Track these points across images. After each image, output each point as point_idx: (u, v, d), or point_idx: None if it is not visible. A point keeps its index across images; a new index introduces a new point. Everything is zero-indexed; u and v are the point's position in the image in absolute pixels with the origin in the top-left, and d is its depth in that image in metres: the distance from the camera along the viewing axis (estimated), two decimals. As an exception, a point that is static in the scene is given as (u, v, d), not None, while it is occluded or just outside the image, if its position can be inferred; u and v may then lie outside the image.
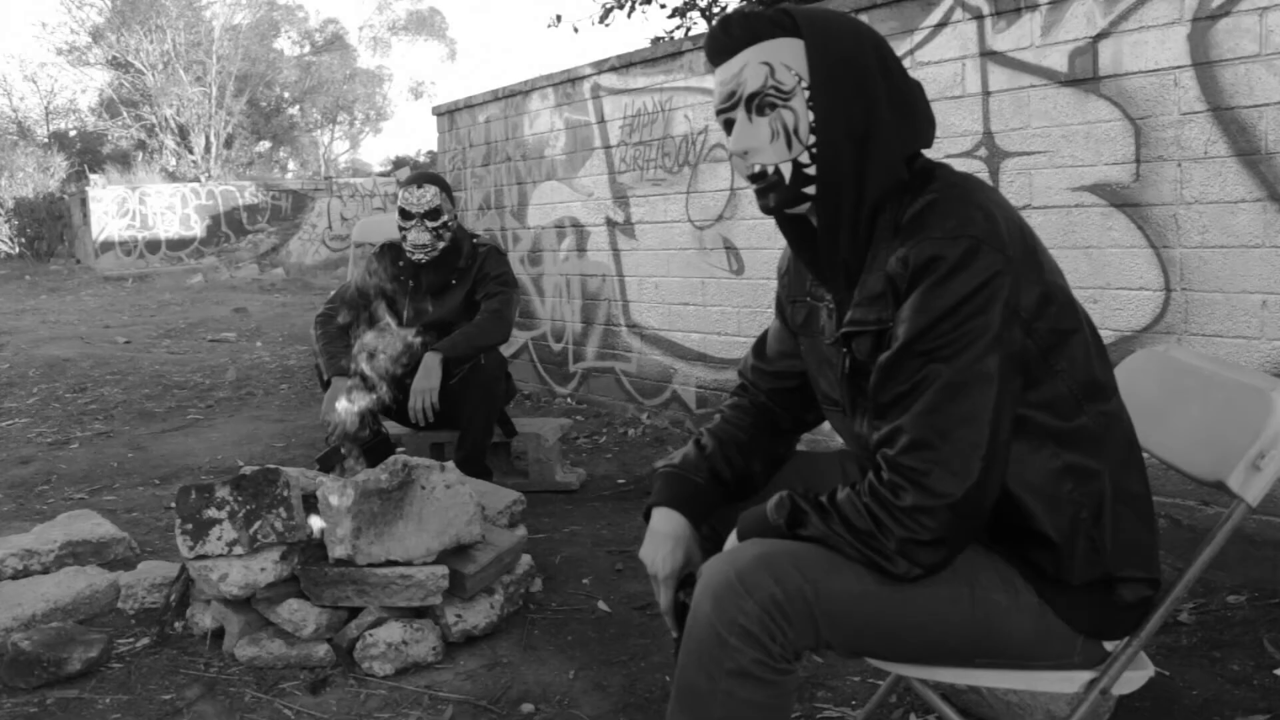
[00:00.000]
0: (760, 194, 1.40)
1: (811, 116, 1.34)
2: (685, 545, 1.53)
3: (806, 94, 1.34)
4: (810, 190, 1.36)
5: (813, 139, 1.34)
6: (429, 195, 3.68)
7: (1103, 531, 1.34)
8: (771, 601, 1.27)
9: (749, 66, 1.35)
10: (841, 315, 1.41)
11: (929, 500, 1.24)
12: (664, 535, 1.54)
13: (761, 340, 1.70)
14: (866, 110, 1.34)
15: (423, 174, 3.82)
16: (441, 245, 3.73)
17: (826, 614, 1.29)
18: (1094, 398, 1.35)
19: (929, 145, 1.40)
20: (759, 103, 1.36)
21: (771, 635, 1.27)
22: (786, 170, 1.36)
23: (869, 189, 1.34)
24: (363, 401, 3.26)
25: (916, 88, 1.40)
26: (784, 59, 1.34)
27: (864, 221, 1.35)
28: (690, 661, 1.31)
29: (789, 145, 1.35)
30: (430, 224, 3.69)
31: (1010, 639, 1.36)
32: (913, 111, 1.38)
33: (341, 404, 3.33)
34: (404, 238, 3.75)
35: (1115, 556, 1.35)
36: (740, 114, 1.37)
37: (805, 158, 1.35)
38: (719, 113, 1.41)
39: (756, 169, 1.38)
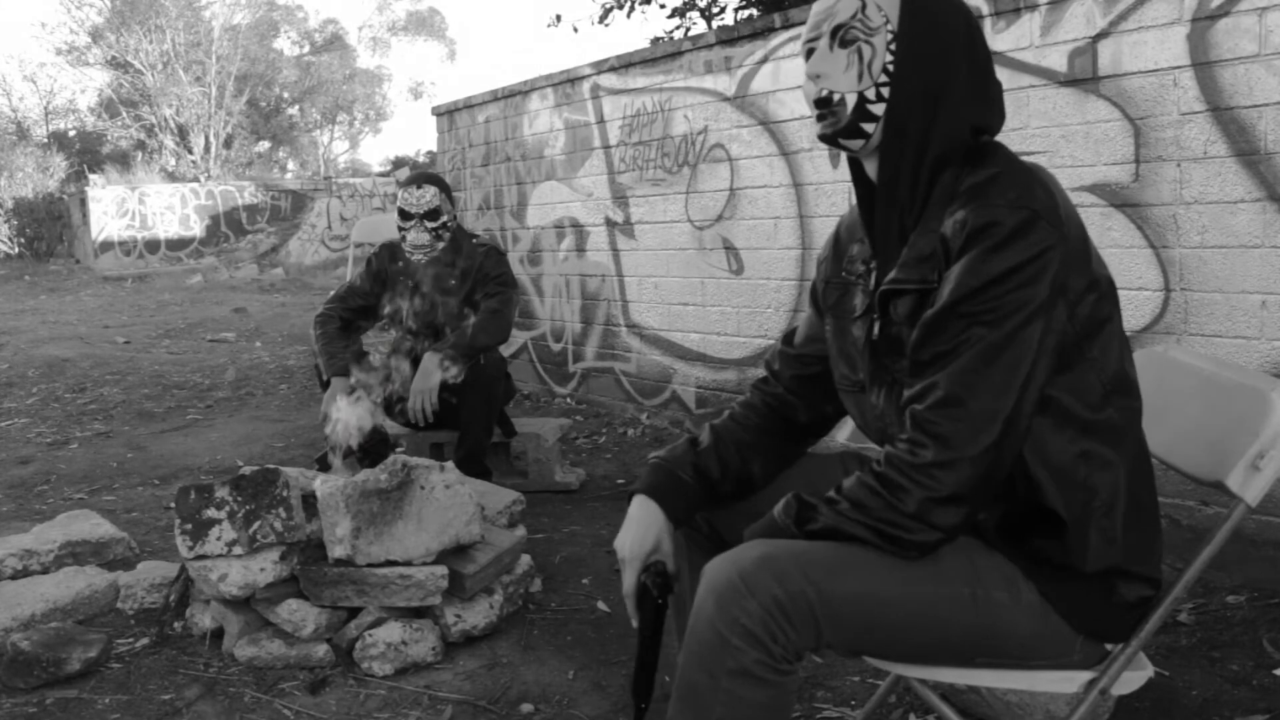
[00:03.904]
0: (821, 119, 1.43)
1: (888, 58, 1.37)
2: (656, 532, 1.53)
3: (890, 36, 1.37)
4: (868, 127, 1.39)
5: (884, 79, 1.37)
6: (428, 196, 3.68)
7: (1114, 523, 1.34)
8: (774, 602, 1.27)
9: (844, 1, 1.40)
10: (882, 279, 1.42)
11: (947, 454, 1.25)
12: (635, 520, 1.54)
13: (791, 331, 1.70)
14: (943, 71, 1.37)
15: (422, 174, 3.82)
16: (441, 245, 3.73)
17: (829, 614, 1.29)
18: (1121, 392, 1.36)
19: (994, 132, 1.42)
20: (843, 34, 1.39)
21: (773, 636, 1.27)
22: (851, 100, 1.39)
23: (932, 146, 1.37)
24: (363, 402, 3.27)
25: (997, 82, 1.43)
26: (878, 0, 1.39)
27: (923, 180, 1.37)
28: (692, 661, 1.31)
29: (859, 78, 1.38)
30: (429, 224, 3.69)
31: (1011, 638, 1.36)
32: (986, 93, 1.41)
33: (341, 403, 3.34)
34: (403, 238, 3.75)
35: (1126, 550, 1.35)
36: (823, 42, 1.42)
37: (872, 94, 1.38)
38: (805, 43, 1.45)
39: (824, 93, 1.41)
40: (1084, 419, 1.33)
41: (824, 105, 1.41)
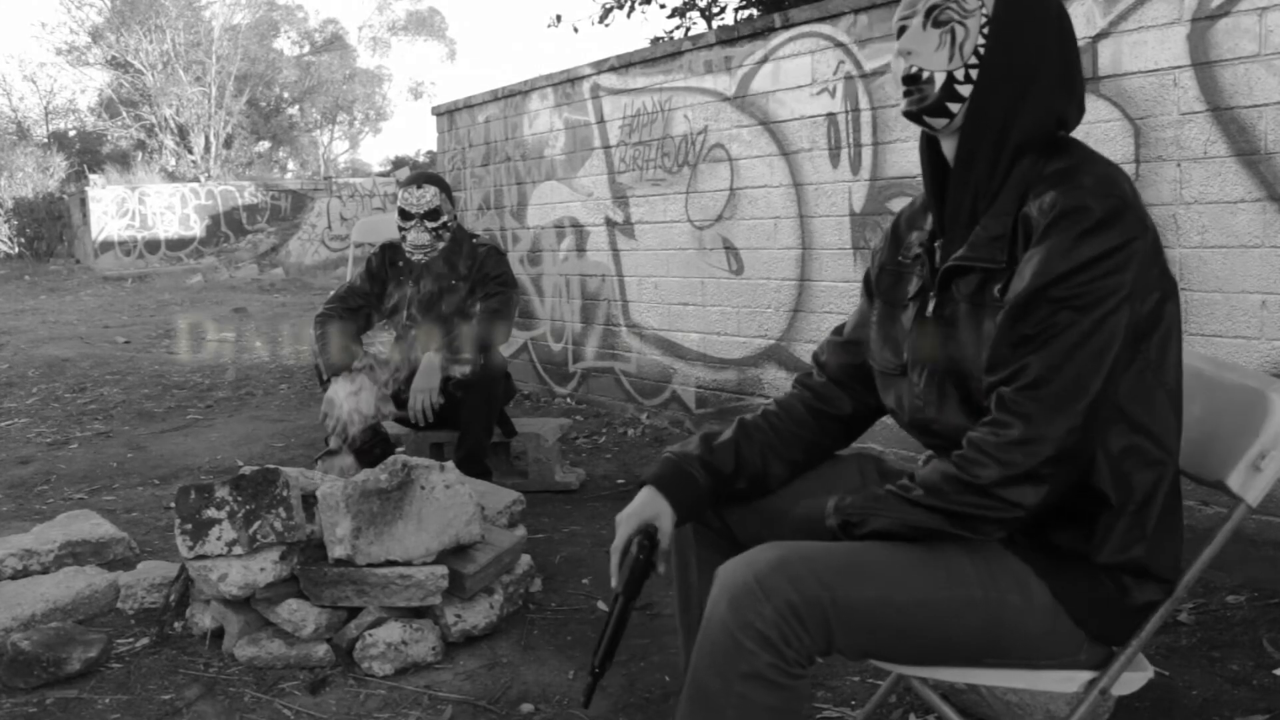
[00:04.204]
0: (908, 95, 1.44)
1: (980, 41, 1.39)
2: (657, 509, 1.54)
3: (984, 20, 1.39)
4: (954, 107, 1.41)
5: (974, 61, 1.39)
6: (428, 196, 3.68)
7: (1148, 520, 1.35)
8: (788, 607, 1.27)
9: None
10: (946, 259, 1.43)
11: (1030, 432, 1.26)
12: (639, 501, 1.56)
13: (841, 325, 1.71)
14: (1032, 59, 1.38)
15: (422, 174, 3.82)
16: (441, 245, 3.73)
17: (842, 619, 1.30)
18: (1172, 394, 1.36)
19: (1073, 126, 1.43)
20: (938, 14, 1.41)
21: (786, 640, 1.27)
22: (939, 79, 1.41)
23: (1014, 132, 1.38)
24: (364, 396, 3.28)
25: (1082, 76, 1.44)
26: None
27: (1001, 165, 1.39)
28: (704, 663, 1.31)
29: (950, 58, 1.40)
30: (430, 224, 3.69)
31: (1021, 639, 1.37)
32: (1072, 86, 1.42)
33: (343, 396, 3.35)
34: (403, 238, 3.75)
35: (1151, 547, 1.36)
36: (917, 20, 1.43)
37: (960, 74, 1.40)
38: (898, 20, 1.46)
39: (913, 70, 1.43)
40: (1133, 415, 1.34)
41: (912, 82, 1.43)
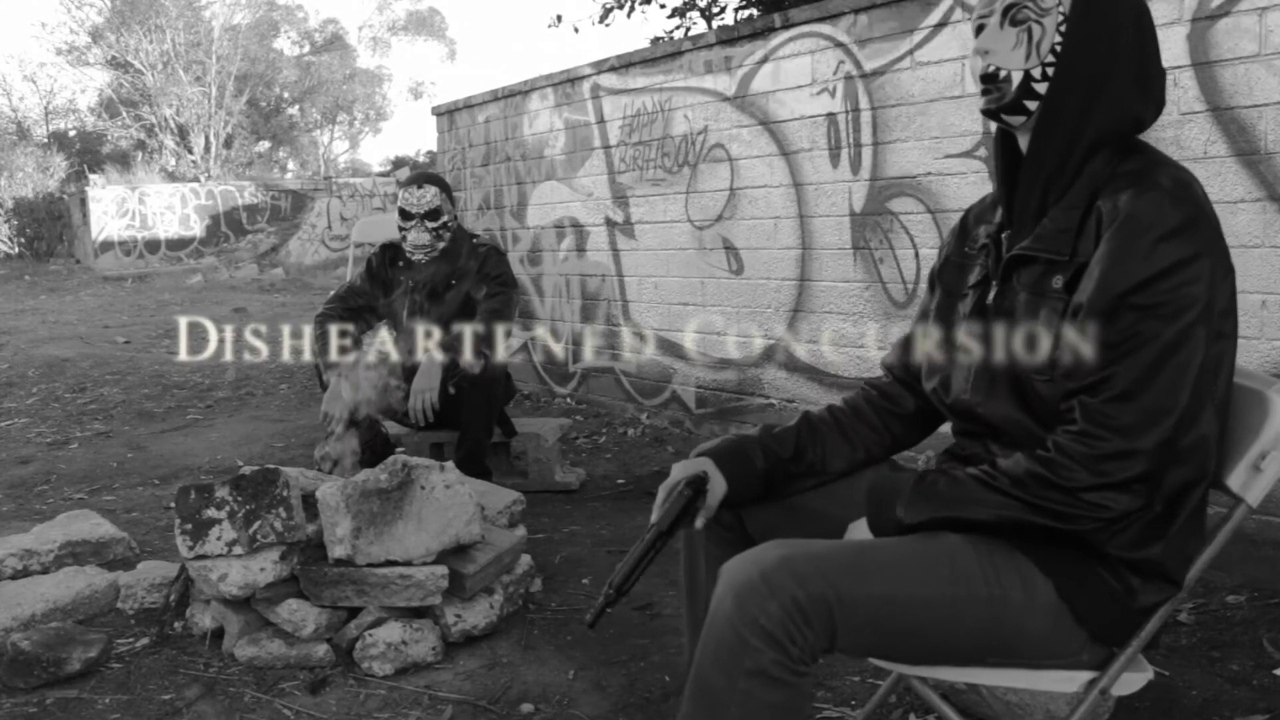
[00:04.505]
0: (986, 93, 1.46)
1: (1057, 39, 1.39)
2: (709, 468, 1.54)
3: (1061, 18, 1.39)
4: (1031, 105, 1.42)
5: (1051, 59, 1.40)
6: (429, 196, 3.68)
7: (1172, 521, 1.36)
8: (794, 604, 1.28)
9: None
10: (1012, 248, 1.45)
11: (1125, 445, 1.26)
12: (696, 461, 1.57)
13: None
14: (1108, 59, 1.39)
15: (423, 174, 3.82)
16: (441, 245, 3.74)
17: (846, 617, 1.30)
18: (1220, 407, 1.36)
19: (1149, 124, 1.44)
20: (1015, 13, 1.42)
21: (791, 638, 1.28)
22: (1017, 78, 1.42)
23: (1089, 128, 1.39)
24: (366, 387, 3.29)
25: (1161, 70, 1.44)
26: None
27: (1074, 161, 1.39)
28: (708, 660, 1.32)
29: (1027, 56, 1.41)
30: (430, 224, 3.69)
31: (1025, 638, 1.37)
32: (1148, 84, 1.42)
33: (345, 388, 3.36)
34: (404, 238, 3.75)
35: (1169, 547, 1.37)
36: (994, 19, 1.44)
37: (1038, 73, 1.41)
38: (976, 18, 1.47)
39: (990, 69, 1.44)
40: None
41: (990, 81, 1.44)
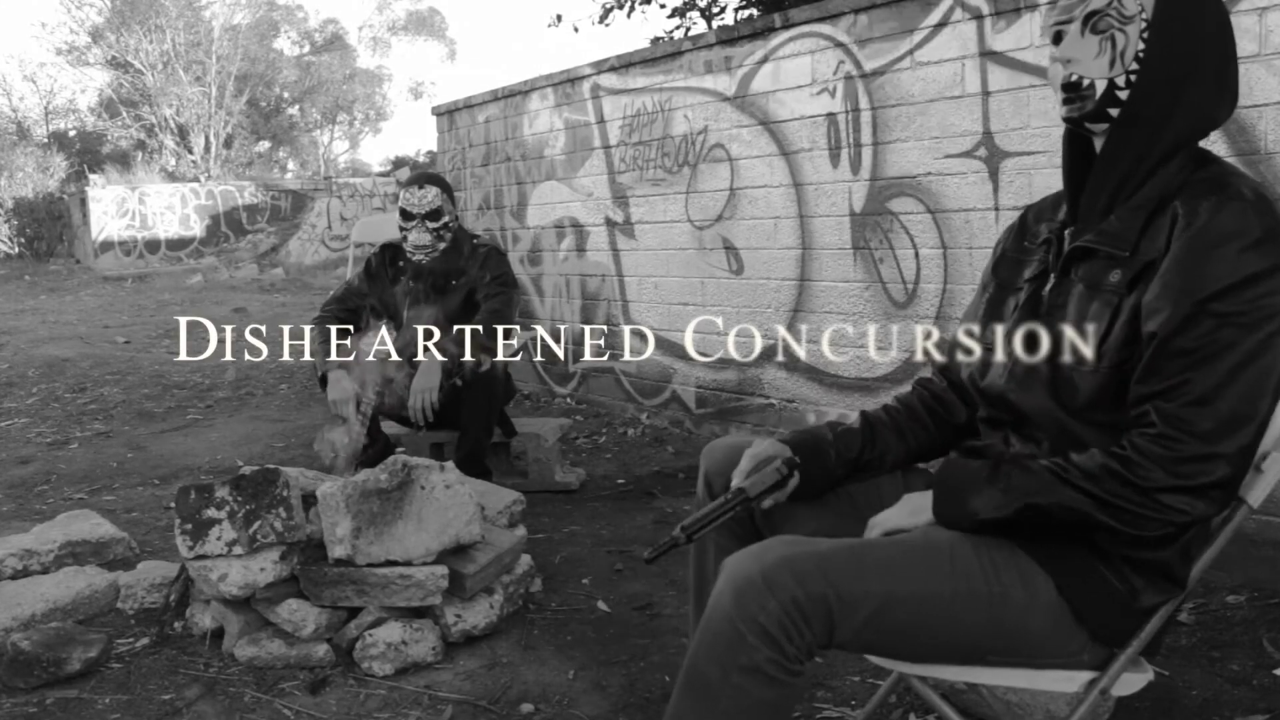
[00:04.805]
0: (1068, 102, 1.44)
1: (1140, 47, 1.38)
2: (780, 449, 1.57)
3: (1144, 25, 1.38)
4: (1113, 112, 1.41)
5: (1134, 66, 1.38)
6: (430, 196, 3.68)
7: (1189, 526, 1.35)
8: (793, 603, 1.28)
9: None
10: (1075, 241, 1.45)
11: (1207, 449, 1.26)
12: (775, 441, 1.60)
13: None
14: (1189, 64, 1.38)
15: (424, 174, 3.81)
16: (442, 246, 3.73)
17: (846, 615, 1.31)
18: (1261, 424, 1.33)
19: (1224, 121, 1.44)
20: (1097, 21, 1.40)
21: (789, 636, 1.28)
22: (1100, 87, 1.41)
23: (1167, 132, 1.38)
24: (370, 378, 3.33)
25: (1236, 68, 1.44)
26: None
27: (1147, 164, 1.39)
28: (704, 652, 1.32)
29: (1111, 65, 1.40)
30: (431, 225, 3.69)
31: (1025, 636, 1.37)
32: (1226, 81, 1.41)
33: (346, 380, 3.39)
34: (404, 238, 3.75)
35: (1181, 550, 1.37)
36: (1075, 27, 1.43)
37: (1121, 81, 1.39)
38: (1054, 24, 1.46)
39: (1073, 78, 1.43)
40: None
41: (1072, 89, 1.43)
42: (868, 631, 1.34)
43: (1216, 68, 1.39)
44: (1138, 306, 1.33)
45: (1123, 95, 1.39)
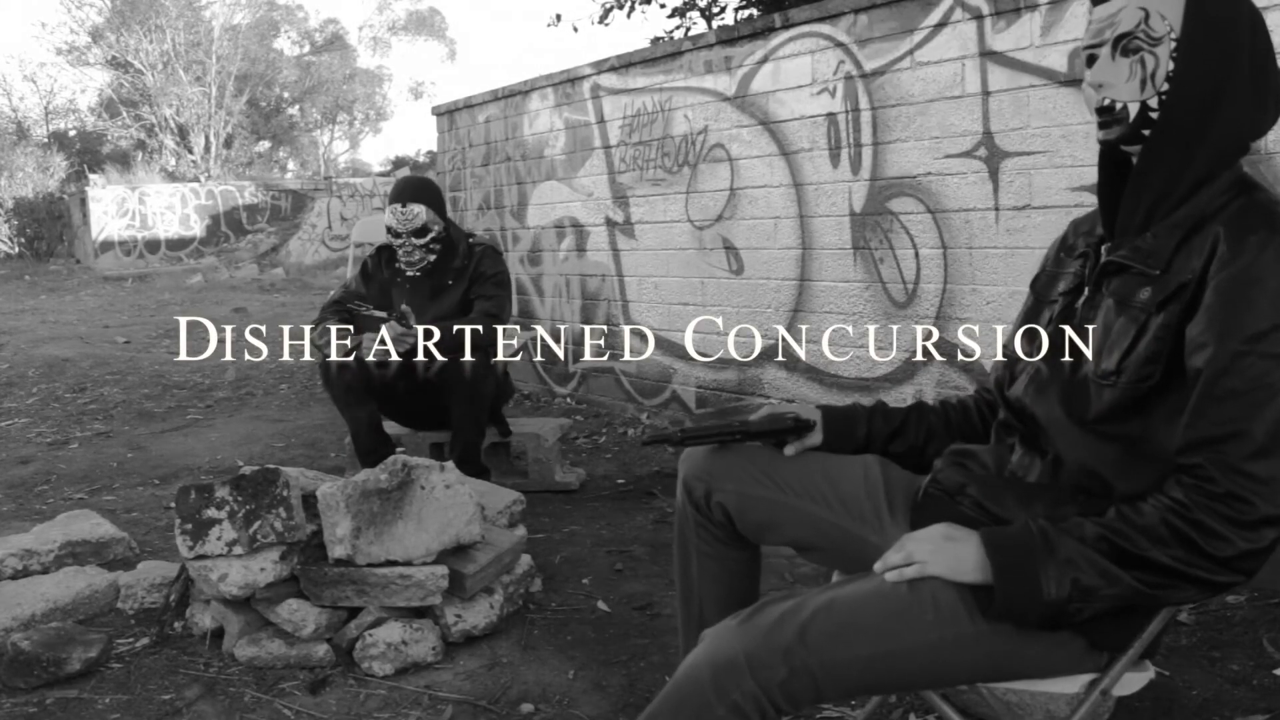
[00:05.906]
0: (1104, 126, 1.43)
1: (1171, 67, 1.37)
2: (816, 417, 1.65)
3: (1173, 45, 1.37)
4: (1148, 133, 1.40)
5: (1166, 87, 1.37)
6: (414, 213, 3.68)
7: None
8: (774, 685, 1.26)
9: (1126, 9, 1.39)
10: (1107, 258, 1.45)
11: (1274, 510, 1.22)
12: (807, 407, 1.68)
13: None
14: (1221, 79, 1.36)
15: (409, 188, 3.77)
16: (432, 258, 3.76)
17: (834, 685, 1.30)
18: None
19: (1267, 129, 1.43)
20: (1126, 44, 1.39)
21: (763, 713, 1.27)
22: (1134, 109, 1.39)
23: (1202, 150, 1.37)
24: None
25: (1276, 75, 1.41)
26: (1161, 8, 1.37)
27: (1186, 182, 1.37)
28: (668, 709, 1.30)
29: (1143, 87, 1.38)
30: (418, 241, 3.70)
31: (1020, 660, 1.37)
32: (1264, 98, 1.40)
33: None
34: (395, 250, 3.77)
35: None
36: (1106, 50, 1.41)
37: (1154, 102, 1.38)
38: (1086, 49, 1.45)
39: (1106, 102, 1.42)
40: None
41: (1106, 113, 1.42)
42: (858, 689, 1.35)
43: (1254, 79, 1.37)
44: (1165, 326, 1.31)
45: (1155, 116, 1.38)
